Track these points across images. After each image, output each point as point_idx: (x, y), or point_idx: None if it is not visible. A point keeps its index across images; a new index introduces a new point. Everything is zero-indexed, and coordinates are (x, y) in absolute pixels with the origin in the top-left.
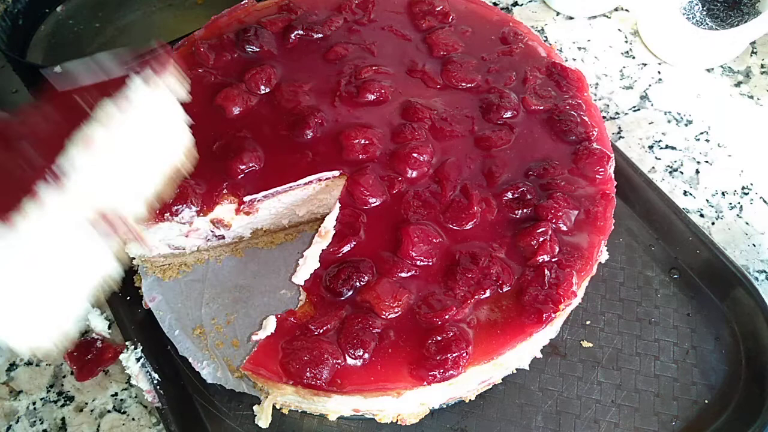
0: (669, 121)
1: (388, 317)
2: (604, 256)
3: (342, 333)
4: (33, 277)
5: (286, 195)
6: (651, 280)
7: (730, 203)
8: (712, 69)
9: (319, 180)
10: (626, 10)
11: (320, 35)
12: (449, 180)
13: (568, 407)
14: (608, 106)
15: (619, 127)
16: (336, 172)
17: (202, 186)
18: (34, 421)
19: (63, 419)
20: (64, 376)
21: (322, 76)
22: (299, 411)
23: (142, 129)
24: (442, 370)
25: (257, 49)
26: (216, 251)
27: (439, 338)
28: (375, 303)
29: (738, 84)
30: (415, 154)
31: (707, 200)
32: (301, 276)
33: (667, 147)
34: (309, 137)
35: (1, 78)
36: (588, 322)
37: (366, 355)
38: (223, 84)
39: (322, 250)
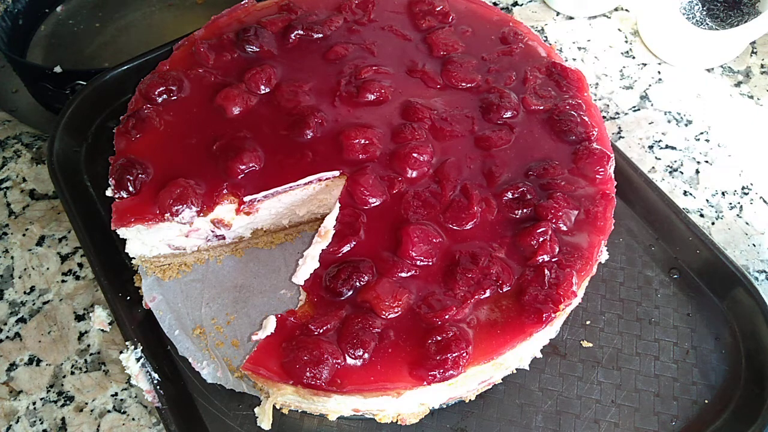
0: (669, 121)
1: (388, 317)
2: (604, 256)
3: (342, 333)
4: None
5: (286, 195)
6: (651, 280)
7: (730, 203)
8: (712, 69)
9: (319, 180)
10: (626, 10)
11: (320, 35)
12: (449, 180)
13: (568, 407)
14: (608, 106)
15: (619, 127)
16: (336, 172)
17: (202, 186)
18: (34, 421)
19: (63, 419)
20: (64, 376)
21: (322, 76)
22: (299, 411)
23: None
24: (442, 370)
25: (257, 49)
26: (216, 251)
27: (439, 338)
28: (375, 303)
29: (738, 84)
30: (415, 154)
31: (707, 200)
32: (301, 276)
33: (667, 147)
34: (309, 137)
35: (1, 78)
36: (588, 322)
37: (366, 355)
38: (223, 84)
39: (322, 250)
